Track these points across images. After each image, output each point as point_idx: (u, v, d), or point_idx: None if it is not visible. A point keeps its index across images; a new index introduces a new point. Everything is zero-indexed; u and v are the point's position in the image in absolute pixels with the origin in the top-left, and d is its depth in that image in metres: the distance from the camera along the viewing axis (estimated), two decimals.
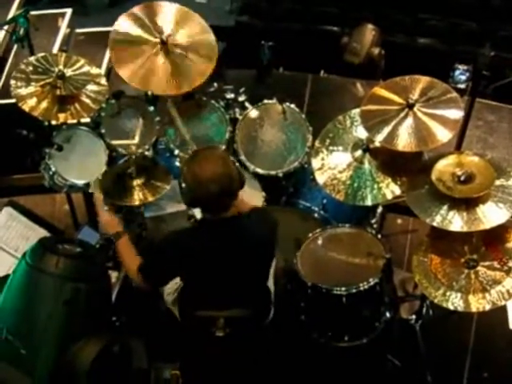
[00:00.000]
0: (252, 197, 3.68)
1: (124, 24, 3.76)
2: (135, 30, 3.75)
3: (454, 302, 3.05)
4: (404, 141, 3.27)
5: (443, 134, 3.26)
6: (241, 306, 2.97)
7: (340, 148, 3.56)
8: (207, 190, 2.70)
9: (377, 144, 3.44)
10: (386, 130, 3.31)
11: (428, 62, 4.52)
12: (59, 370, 2.98)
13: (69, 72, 3.66)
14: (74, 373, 2.95)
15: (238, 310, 2.96)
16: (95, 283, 3.12)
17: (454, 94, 3.34)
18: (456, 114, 3.31)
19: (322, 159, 3.55)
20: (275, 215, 3.07)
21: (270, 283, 3.19)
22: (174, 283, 3.15)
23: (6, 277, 3.22)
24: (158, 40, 3.73)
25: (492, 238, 3.14)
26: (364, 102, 3.45)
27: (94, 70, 3.75)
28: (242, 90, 4.00)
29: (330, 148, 3.57)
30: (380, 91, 3.44)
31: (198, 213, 3.64)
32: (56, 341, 2.99)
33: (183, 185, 2.79)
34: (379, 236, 3.53)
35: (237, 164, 2.98)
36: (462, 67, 4.87)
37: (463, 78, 4.85)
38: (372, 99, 3.43)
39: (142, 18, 3.76)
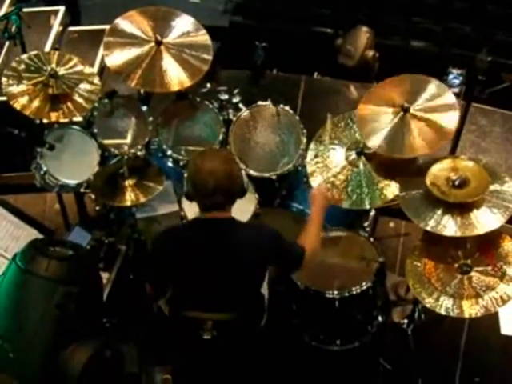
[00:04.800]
0: (245, 199, 3.65)
1: (121, 22, 3.74)
2: (131, 29, 3.73)
3: (447, 307, 3.05)
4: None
5: None
6: (229, 310, 2.93)
7: (334, 151, 3.55)
8: (204, 182, 2.75)
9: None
10: (381, 134, 3.30)
11: (422, 65, 4.50)
12: (49, 375, 2.95)
13: (61, 71, 3.63)
14: (65, 377, 2.92)
15: (227, 313, 2.93)
16: (86, 286, 3.09)
17: None
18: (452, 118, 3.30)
19: (317, 162, 3.54)
20: (268, 219, 3.06)
21: (264, 288, 3.16)
22: None
23: None
24: (152, 40, 3.71)
25: (486, 244, 3.13)
26: (359, 107, 3.43)
27: (87, 69, 3.72)
28: (236, 91, 3.97)
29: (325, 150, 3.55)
30: (376, 94, 3.42)
31: (190, 214, 3.64)
32: (46, 344, 2.97)
33: (185, 175, 2.87)
34: (372, 239, 3.52)
35: (243, 172, 3.04)
36: (455, 71, 4.87)
37: (457, 81, 4.85)
38: (367, 102, 3.42)
39: (141, 20, 3.74)
